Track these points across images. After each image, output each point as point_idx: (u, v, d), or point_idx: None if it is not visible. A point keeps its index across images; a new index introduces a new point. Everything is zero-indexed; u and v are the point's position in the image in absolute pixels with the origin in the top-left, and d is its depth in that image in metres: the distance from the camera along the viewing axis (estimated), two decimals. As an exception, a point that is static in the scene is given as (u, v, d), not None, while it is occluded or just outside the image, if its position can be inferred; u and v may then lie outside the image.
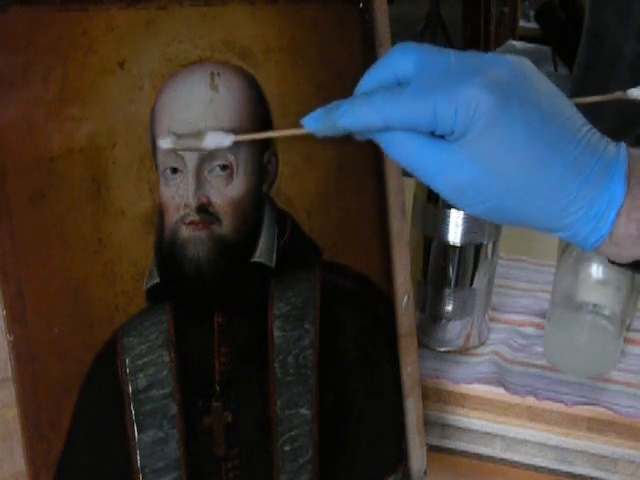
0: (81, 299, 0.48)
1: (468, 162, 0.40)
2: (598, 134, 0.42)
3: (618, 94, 0.50)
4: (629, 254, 0.42)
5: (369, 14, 0.59)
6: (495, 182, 0.40)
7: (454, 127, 0.39)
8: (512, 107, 0.39)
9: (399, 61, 0.42)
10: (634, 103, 0.52)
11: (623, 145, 0.42)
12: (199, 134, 0.46)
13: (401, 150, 0.41)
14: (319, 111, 0.42)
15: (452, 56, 0.41)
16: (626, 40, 1.39)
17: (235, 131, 0.50)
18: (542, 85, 0.41)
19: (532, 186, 0.40)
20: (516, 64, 0.41)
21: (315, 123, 0.42)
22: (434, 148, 0.40)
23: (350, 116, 0.41)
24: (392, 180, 0.62)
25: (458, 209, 0.73)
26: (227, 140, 0.45)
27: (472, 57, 0.41)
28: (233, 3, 0.52)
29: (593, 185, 0.40)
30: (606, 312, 0.77)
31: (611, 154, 0.41)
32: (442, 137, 0.41)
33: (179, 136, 0.48)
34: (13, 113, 0.45)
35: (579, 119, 0.41)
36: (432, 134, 0.41)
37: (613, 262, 0.44)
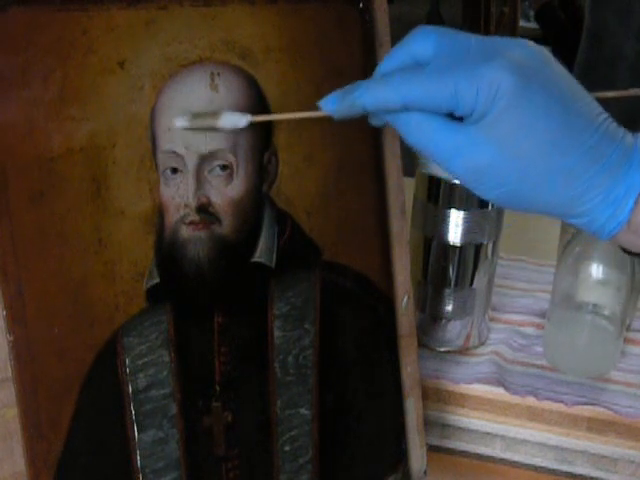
0: (81, 299, 0.48)
1: (487, 144, 0.40)
2: (615, 123, 0.41)
3: (636, 90, 0.50)
4: None
5: (369, 14, 0.59)
6: (513, 166, 0.40)
7: (474, 108, 0.39)
8: (533, 90, 0.39)
9: (418, 43, 0.41)
10: (636, 101, 0.52)
11: None
12: (215, 113, 0.46)
13: (419, 132, 0.41)
14: (336, 93, 0.42)
15: (472, 39, 0.41)
16: (626, 40, 1.39)
17: (235, 130, 0.50)
18: (560, 70, 0.41)
19: (549, 171, 0.40)
20: (536, 48, 0.41)
21: (332, 105, 0.42)
22: (452, 130, 0.40)
23: (369, 95, 0.41)
24: (392, 180, 0.62)
25: (459, 209, 0.73)
26: (243, 120, 0.44)
27: (492, 40, 0.41)
28: (233, 3, 0.52)
29: (611, 172, 0.40)
30: (606, 312, 0.77)
31: (629, 142, 0.41)
32: (459, 119, 0.40)
33: (195, 115, 0.48)
34: (13, 113, 0.45)
35: (597, 107, 0.41)
36: (450, 116, 0.40)
37: (628, 251, 0.44)
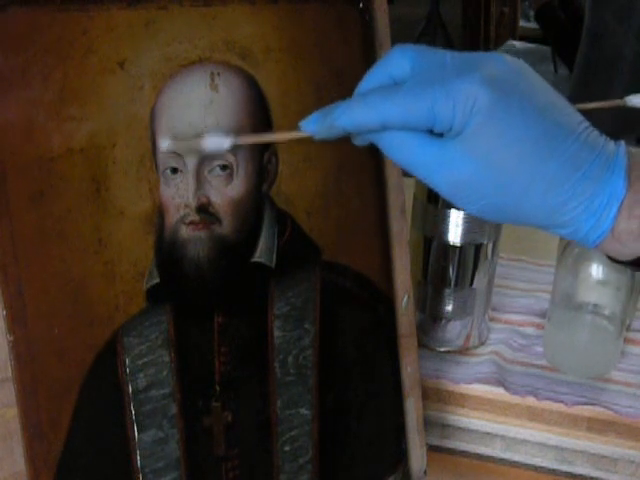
0: (81, 299, 0.48)
1: (466, 158, 0.40)
2: (596, 132, 0.41)
3: (617, 102, 0.50)
4: (630, 251, 0.42)
5: (369, 14, 0.59)
6: (493, 178, 0.40)
7: (452, 123, 0.39)
8: (510, 102, 0.39)
9: (396, 62, 0.42)
10: (631, 109, 0.52)
11: (622, 143, 0.42)
12: (198, 136, 0.46)
13: (399, 149, 0.41)
14: (316, 114, 0.42)
15: (448, 55, 0.41)
16: (626, 40, 1.39)
17: (235, 131, 0.50)
18: (538, 82, 0.41)
19: (529, 182, 0.40)
20: (511, 61, 0.41)
21: (313, 126, 0.42)
22: (432, 146, 0.40)
23: (347, 116, 0.41)
24: (392, 180, 0.62)
25: (458, 209, 0.73)
26: (226, 143, 0.45)
27: (468, 55, 0.41)
28: (233, 3, 0.52)
29: (592, 180, 0.40)
30: (606, 312, 0.77)
31: (610, 150, 0.41)
32: (439, 135, 0.41)
33: (179, 138, 0.48)
34: (13, 113, 0.45)
35: (577, 116, 0.41)
36: (429, 132, 0.41)
37: (614, 260, 0.44)
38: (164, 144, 0.48)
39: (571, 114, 0.41)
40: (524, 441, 0.74)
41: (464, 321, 0.79)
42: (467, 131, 0.39)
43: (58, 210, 0.47)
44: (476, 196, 0.41)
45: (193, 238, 0.51)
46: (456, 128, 0.39)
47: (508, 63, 0.41)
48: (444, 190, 0.42)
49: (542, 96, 0.41)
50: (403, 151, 0.41)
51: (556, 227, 0.42)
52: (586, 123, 0.41)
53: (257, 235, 0.54)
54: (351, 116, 0.41)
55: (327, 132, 0.42)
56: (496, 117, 0.39)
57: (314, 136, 0.43)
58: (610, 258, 0.44)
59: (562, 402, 0.72)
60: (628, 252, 0.42)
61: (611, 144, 0.41)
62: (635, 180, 0.40)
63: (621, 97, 0.49)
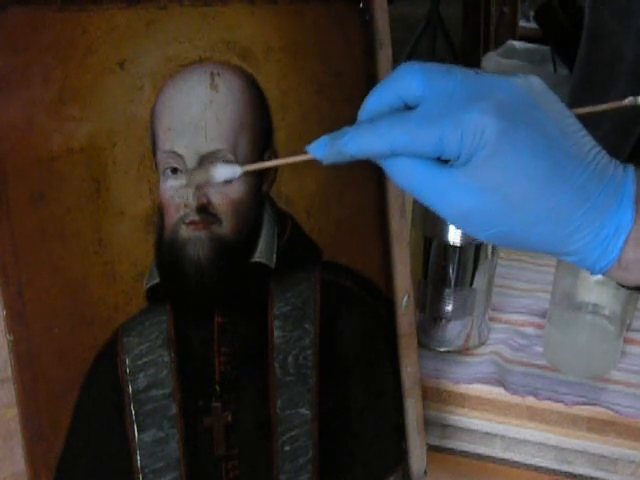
0: (81, 299, 0.48)
1: (474, 188, 0.39)
2: (606, 157, 0.41)
3: (629, 100, 0.49)
4: (637, 278, 0.42)
5: (369, 14, 0.59)
6: (501, 209, 0.40)
7: (460, 152, 0.39)
8: (518, 132, 0.39)
9: (405, 83, 0.41)
10: (633, 110, 0.51)
11: (631, 168, 0.41)
12: (207, 169, 0.45)
13: (406, 176, 0.41)
14: (324, 138, 0.42)
15: (458, 77, 0.40)
16: (626, 40, 1.39)
17: (235, 130, 0.50)
18: (550, 107, 0.40)
19: (538, 213, 0.40)
20: (523, 86, 0.40)
21: (321, 151, 0.42)
22: (440, 174, 0.40)
23: (356, 143, 0.41)
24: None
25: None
26: (237, 171, 0.45)
27: (478, 79, 0.40)
28: (233, 3, 0.52)
29: (601, 211, 0.40)
30: (606, 312, 0.77)
31: (619, 178, 0.40)
32: (447, 162, 0.40)
33: (188, 175, 0.48)
34: (13, 113, 0.45)
35: (588, 141, 0.41)
36: (437, 159, 0.40)
37: (622, 285, 0.44)
38: (177, 183, 0.47)
39: (581, 140, 0.40)
40: (524, 441, 0.74)
41: (464, 321, 0.79)
42: (474, 161, 0.39)
43: (58, 210, 0.47)
44: (482, 226, 0.41)
45: (193, 238, 0.51)
46: (464, 157, 0.39)
47: (520, 88, 0.40)
48: (451, 218, 0.41)
49: (553, 124, 0.40)
50: (409, 177, 0.41)
51: (564, 255, 0.42)
52: (596, 148, 0.41)
53: (257, 235, 0.54)
54: (360, 143, 0.40)
55: (335, 158, 0.42)
56: (504, 148, 0.38)
57: (322, 161, 0.42)
58: (618, 283, 0.44)
59: (562, 402, 0.72)
60: (634, 279, 0.42)
61: (620, 170, 0.41)
62: None
63: (622, 97, 0.49)
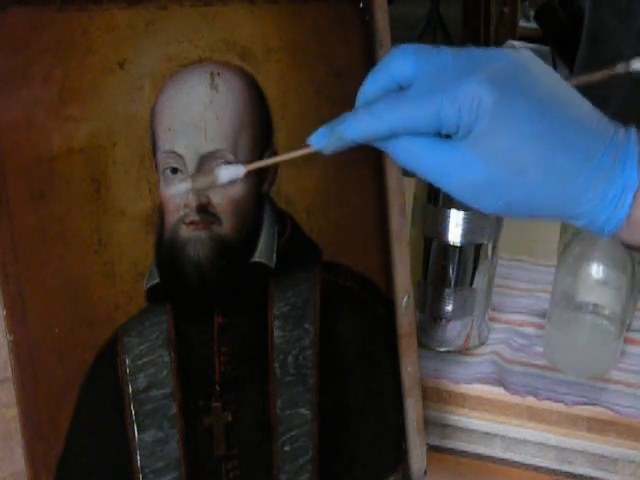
0: (81, 299, 0.48)
1: (477, 159, 0.40)
2: (606, 119, 0.41)
3: (620, 66, 0.49)
4: None
5: (369, 14, 0.59)
6: (506, 177, 0.40)
7: (459, 125, 0.39)
8: (514, 100, 0.39)
9: (397, 64, 0.42)
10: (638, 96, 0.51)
11: (633, 129, 0.42)
12: (211, 171, 0.45)
13: (409, 155, 0.41)
14: (323, 128, 0.42)
15: (450, 54, 0.41)
16: (626, 40, 1.39)
17: (235, 130, 0.50)
18: (544, 75, 0.41)
19: (543, 177, 0.40)
20: (515, 56, 0.41)
21: (321, 140, 0.42)
22: (441, 149, 0.40)
23: (355, 128, 0.41)
24: (392, 180, 0.62)
25: (459, 209, 0.73)
26: (241, 171, 0.45)
27: (469, 54, 0.41)
28: (233, 3, 0.52)
29: (605, 172, 0.40)
30: (606, 312, 0.77)
31: (621, 138, 0.41)
32: (448, 137, 0.41)
33: (193, 178, 0.48)
34: (13, 113, 0.45)
35: (585, 105, 0.41)
36: (438, 134, 0.41)
37: (629, 246, 0.44)
38: (183, 187, 0.47)
39: (579, 104, 0.41)
40: (524, 441, 0.74)
41: (464, 321, 0.79)
42: (475, 132, 0.39)
43: (58, 210, 0.47)
44: (490, 197, 0.41)
45: (193, 238, 0.51)
46: (463, 130, 0.39)
47: (511, 58, 0.40)
48: (457, 192, 0.41)
49: (549, 89, 0.40)
50: (413, 156, 0.41)
51: (571, 219, 0.42)
52: (595, 111, 0.41)
53: (257, 235, 0.54)
54: (359, 127, 0.41)
55: (335, 145, 0.42)
56: (502, 116, 0.39)
57: (323, 151, 0.42)
58: (624, 244, 0.44)
59: (562, 402, 0.72)
60: None
61: (621, 132, 0.41)
62: None
63: (622, 97, 0.49)
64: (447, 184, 0.41)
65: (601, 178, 0.40)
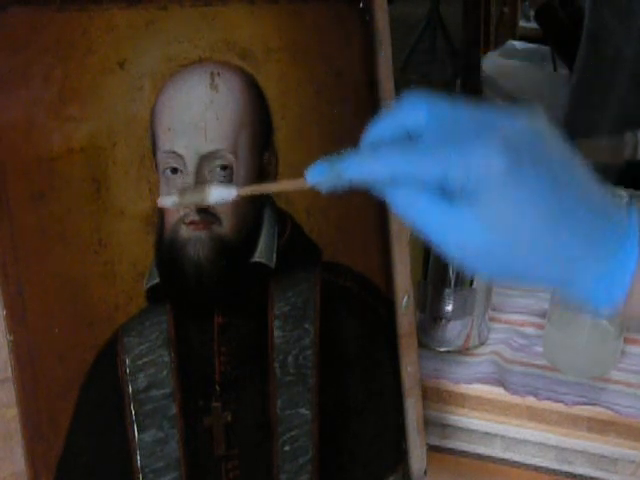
0: (81, 299, 0.48)
1: (480, 227, 0.38)
2: (609, 195, 0.40)
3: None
4: None
5: (369, 14, 0.59)
6: (504, 247, 0.39)
7: (464, 187, 0.38)
8: (526, 170, 0.38)
9: (409, 113, 0.40)
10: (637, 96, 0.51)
11: (635, 209, 0.41)
12: (202, 189, 0.45)
13: (409, 207, 0.40)
14: (323, 163, 0.40)
15: (463, 110, 0.40)
16: (626, 40, 1.39)
17: (235, 130, 0.50)
18: (555, 145, 0.40)
19: (543, 253, 0.39)
20: (530, 121, 0.39)
21: (319, 176, 0.40)
22: (442, 208, 0.39)
23: (357, 168, 0.39)
24: (392, 180, 0.62)
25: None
26: (232, 194, 0.44)
27: (485, 112, 0.39)
28: (233, 3, 0.52)
29: (605, 253, 0.39)
30: (606, 312, 0.77)
31: (623, 220, 0.40)
32: (450, 193, 0.39)
33: (182, 191, 0.47)
34: (13, 113, 0.45)
35: (592, 181, 0.40)
36: (439, 190, 0.39)
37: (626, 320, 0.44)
38: (169, 201, 0.46)
39: (587, 180, 0.40)
40: (524, 441, 0.74)
41: (464, 321, 0.78)
42: (479, 197, 0.38)
43: (58, 210, 0.47)
44: (484, 263, 0.40)
45: (193, 238, 0.51)
46: (468, 192, 0.38)
47: (526, 123, 0.39)
48: (453, 253, 0.40)
49: (559, 163, 0.39)
50: (412, 209, 0.40)
51: (570, 294, 0.41)
52: (602, 190, 0.40)
53: (257, 235, 0.54)
54: (361, 168, 0.39)
55: (333, 182, 0.40)
56: (510, 185, 0.37)
57: (319, 187, 0.41)
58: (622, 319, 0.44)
59: (562, 402, 0.72)
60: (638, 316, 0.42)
61: (623, 211, 0.40)
62: None
63: (622, 97, 0.49)
64: (444, 245, 0.40)
65: (600, 259, 0.39)
